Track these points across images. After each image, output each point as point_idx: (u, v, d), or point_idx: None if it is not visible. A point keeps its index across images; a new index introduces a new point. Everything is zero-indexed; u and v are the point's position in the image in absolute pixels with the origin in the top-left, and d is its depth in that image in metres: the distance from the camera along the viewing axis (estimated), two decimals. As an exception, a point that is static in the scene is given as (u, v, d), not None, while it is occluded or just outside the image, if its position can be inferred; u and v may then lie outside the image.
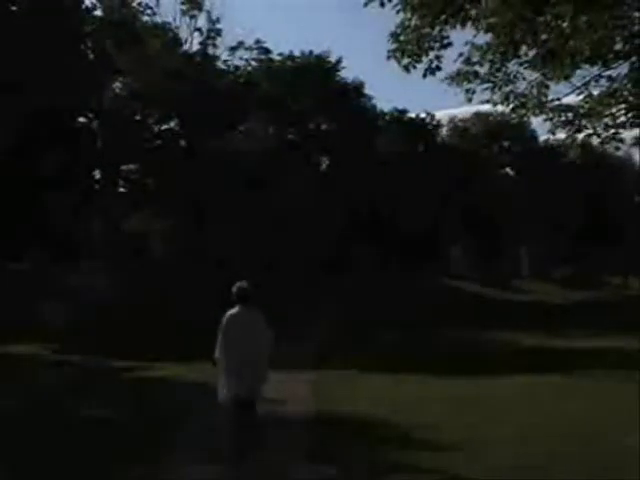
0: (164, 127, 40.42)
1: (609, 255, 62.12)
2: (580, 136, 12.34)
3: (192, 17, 39.45)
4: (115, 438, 9.81)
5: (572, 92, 11.91)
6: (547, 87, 11.93)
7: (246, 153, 39.64)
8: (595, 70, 11.41)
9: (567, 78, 11.38)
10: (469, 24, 11.00)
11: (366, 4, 10.94)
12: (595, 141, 12.67)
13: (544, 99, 12.11)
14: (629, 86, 11.32)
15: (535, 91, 12.05)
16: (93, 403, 12.70)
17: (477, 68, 11.81)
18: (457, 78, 12.00)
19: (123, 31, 34.80)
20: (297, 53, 47.85)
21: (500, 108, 12.93)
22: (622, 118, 11.89)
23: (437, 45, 11.06)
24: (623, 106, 11.75)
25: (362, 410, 11.61)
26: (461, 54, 11.76)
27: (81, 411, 11.93)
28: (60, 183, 29.79)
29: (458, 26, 10.82)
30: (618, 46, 10.71)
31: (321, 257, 43.80)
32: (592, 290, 56.75)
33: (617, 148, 12.21)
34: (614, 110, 11.84)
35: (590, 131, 12.17)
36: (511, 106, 12.26)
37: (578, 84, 11.70)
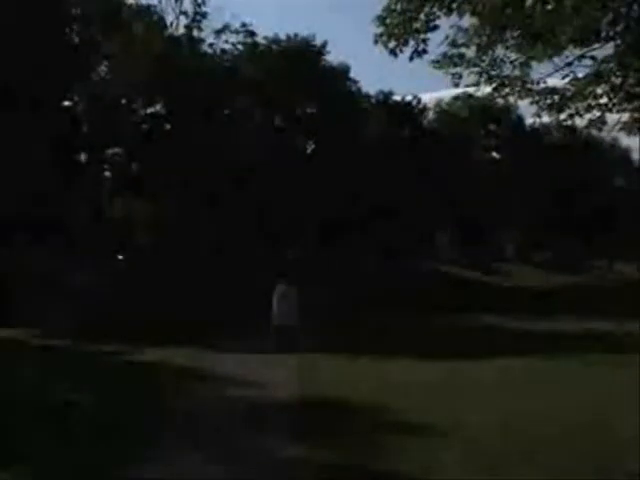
0: (149, 111, 40.17)
1: (592, 239, 62.53)
2: (562, 116, 12.38)
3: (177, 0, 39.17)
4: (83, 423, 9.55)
5: (555, 72, 11.95)
6: (530, 67, 11.96)
7: (231, 137, 39.49)
8: (579, 52, 11.45)
9: (551, 57, 11.41)
10: (454, 8, 10.99)
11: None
12: (579, 123, 12.72)
13: (527, 79, 12.14)
14: (614, 68, 11.35)
15: (518, 71, 12.07)
16: (69, 386, 12.34)
17: (463, 50, 11.82)
18: (443, 61, 12.00)
19: (109, 14, 34.48)
20: (282, 37, 47.75)
21: (486, 90, 12.94)
22: (605, 99, 11.94)
23: (424, 28, 11.06)
24: (607, 87, 11.79)
25: (345, 394, 11.43)
26: (447, 37, 11.77)
27: (56, 395, 11.57)
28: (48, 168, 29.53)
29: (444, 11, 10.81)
30: (603, 29, 10.74)
31: (308, 241, 43.85)
32: (577, 274, 57.14)
33: (599, 129, 12.26)
34: (599, 91, 11.87)
35: (572, 111, 12.20)
36: (494, 85, 12.27)
37: (562, 64, 11.74)
